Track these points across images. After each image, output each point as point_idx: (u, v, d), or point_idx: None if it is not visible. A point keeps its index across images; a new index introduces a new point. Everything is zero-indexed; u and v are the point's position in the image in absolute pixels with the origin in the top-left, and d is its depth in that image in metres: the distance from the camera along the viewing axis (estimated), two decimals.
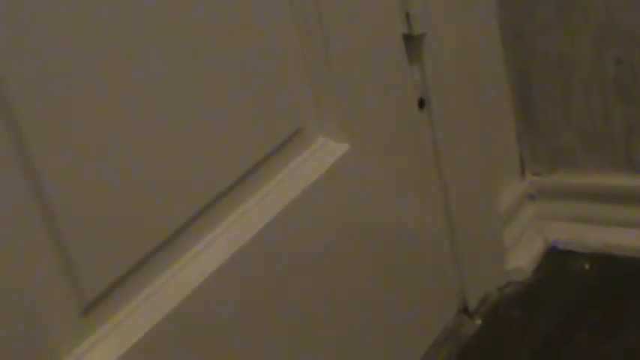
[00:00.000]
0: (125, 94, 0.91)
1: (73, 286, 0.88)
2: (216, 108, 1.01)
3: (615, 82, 1.42)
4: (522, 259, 1.49)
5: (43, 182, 0.84)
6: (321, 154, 1.15)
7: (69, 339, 0.88)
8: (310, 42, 1.12)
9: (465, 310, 1.41)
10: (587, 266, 1.47)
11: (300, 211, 1.10)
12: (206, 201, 1.01)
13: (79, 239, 0.88)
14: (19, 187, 0.83)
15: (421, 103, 1.29)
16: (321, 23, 1.12)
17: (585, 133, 1.48)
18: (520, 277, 1.47)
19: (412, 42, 1.26)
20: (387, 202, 1.25)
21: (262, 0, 1.06)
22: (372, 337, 1.23)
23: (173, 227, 0.98)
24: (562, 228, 1.53)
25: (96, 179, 0.89)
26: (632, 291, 1.40)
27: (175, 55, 0.96)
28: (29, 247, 0.84)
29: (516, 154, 1.54)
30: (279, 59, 1.09)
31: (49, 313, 0.86)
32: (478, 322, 1.41)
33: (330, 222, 1.16)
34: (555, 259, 1.50)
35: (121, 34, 0.90)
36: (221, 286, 1.01)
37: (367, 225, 1.22)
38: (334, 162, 1.15)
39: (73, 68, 0.86)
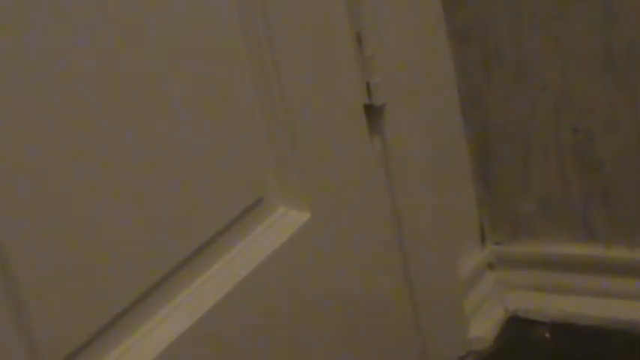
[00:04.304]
0: (82, 165, 0.91)
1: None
2: (177, 177, 1.01)
3: (573, 151, 1.43)
4: (483, 327, 1.49)
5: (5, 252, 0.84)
6: (282, 223, 1.15)
7: None
8: (271, 110, 1.13)
9: None
10: (547, 335, 1.47)
11: (258, 282, 1.09)
12: (165, 271, 1.00)
13: (38, 308, 0.87)
14: None
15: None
16: (283, 93, 1.12)
17: (544, 202, 1.49)
18: (481, 346, 1.47)
19: (373, 112, 1.27)
20: (348, 271, 1.25)
21: (224, 67, 1.06)
22: None
23: (128, 300, 0.97)
24: (522, 297, 1.53)
25: (57, 248, 0.88)
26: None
27: (135, 122, 0.96)
28: None
29: (476, 223, 1.54)
30: (240, 128, 1.09)
31: None
32: None
33: (290, 292, 1.15)
34: (516, 327, 1.50)
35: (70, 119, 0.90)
36: (179, 358, 1.00)
37: (328, 294, 1.21)
38: (295, 231, 1.15)
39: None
